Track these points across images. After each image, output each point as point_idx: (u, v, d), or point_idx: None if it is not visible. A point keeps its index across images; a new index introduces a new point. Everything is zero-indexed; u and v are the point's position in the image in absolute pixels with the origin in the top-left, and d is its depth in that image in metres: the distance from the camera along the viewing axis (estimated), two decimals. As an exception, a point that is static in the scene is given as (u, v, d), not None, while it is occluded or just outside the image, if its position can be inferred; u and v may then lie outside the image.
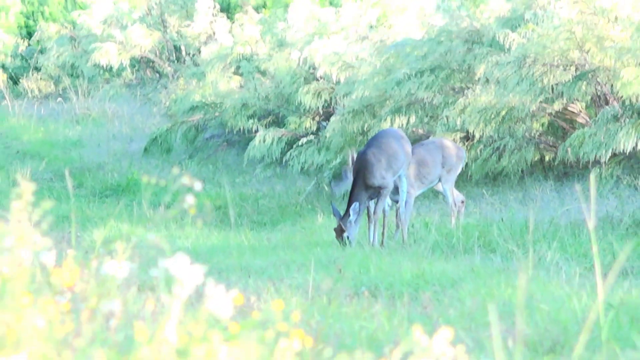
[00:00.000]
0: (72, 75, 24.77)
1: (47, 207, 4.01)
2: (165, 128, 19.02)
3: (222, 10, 22.99)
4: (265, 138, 16.73)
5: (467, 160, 14.02)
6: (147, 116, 22.21)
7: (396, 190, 11.42)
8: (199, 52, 21.76)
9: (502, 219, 11.50)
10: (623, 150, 12.96)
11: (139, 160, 18.84)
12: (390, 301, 7.78)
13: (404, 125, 14.79)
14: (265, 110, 17.91)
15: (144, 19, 23.46)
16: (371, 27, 18.38)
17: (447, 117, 14.45)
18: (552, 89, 13.83)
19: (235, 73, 19.41)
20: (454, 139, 14.11)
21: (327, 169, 15.58)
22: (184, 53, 23.28)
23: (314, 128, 17.18)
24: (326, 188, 15.49)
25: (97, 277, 3.99)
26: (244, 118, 17.81)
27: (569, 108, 14.17)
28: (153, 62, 23.77)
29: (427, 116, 14.99)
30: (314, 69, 17.24)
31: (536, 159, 14.31)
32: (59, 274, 4.03)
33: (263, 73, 18.43)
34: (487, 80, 14.28)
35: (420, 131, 15.06)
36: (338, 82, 16.74)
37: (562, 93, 13.76)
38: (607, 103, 13.86)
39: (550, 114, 14.22)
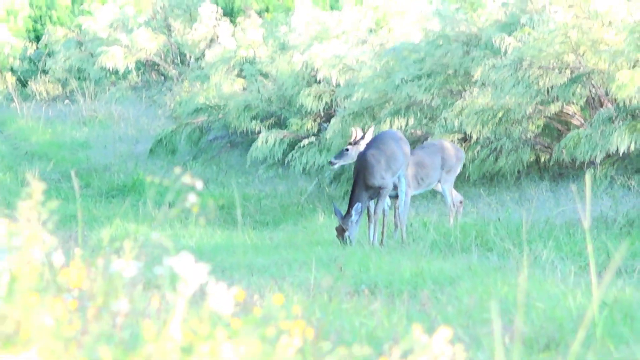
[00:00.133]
0: (79, 78, 24.72)
1: (54, 207, 4.01)
2: (170, 130, 19.03)
3: (225, 14, 22.93)
4: (268, 139, 16.72)
5: (465, 161, 13.97)
6: (153, 118, 22.18)
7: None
8: (203, 56, 21.82)
9: (499, 219, 11.56)
10: (617, 151, 12.98)
11: (145, 161, 18.81)
12: (390, 299, 7.80)
13: (403, 127, 14.81)
14: (268, 112, 17.91)
15: (149, 22, 23.42)
16: (371, 30, 18.39)
17: (445, 119, 14.45)
18: (548, 91, 13.82)
19: (238, 76, 19.42)
20: (452, 140, 14.07)
21: (328, 170, 15.55)
22: (188, 56, 23.34)
23: (315, 129, 17.15)
24: (327, 189, 15.48)
25: (105, 275, 3.98)
26: (247, 119, 17.80)
27: (564, 110, 14.17)
28: (158, 65, 23.74)
29: (425, 118, 15.00)
30: (315, 72, 17.20)
31: (532, 159, 14.36)
32: (66, 273, 4.01)
33: (265, 76, 18.42)
34: (484, 83, 14.29)
35: (419, 133, 15.07)
36: (338, 85, 16.73)
37: (558, 95, 13.76)
38: (601, 105, 13.86)
39: (546, 116, 14.24)
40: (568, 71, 13.76)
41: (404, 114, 14.97)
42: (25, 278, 3.84)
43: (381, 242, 11.17)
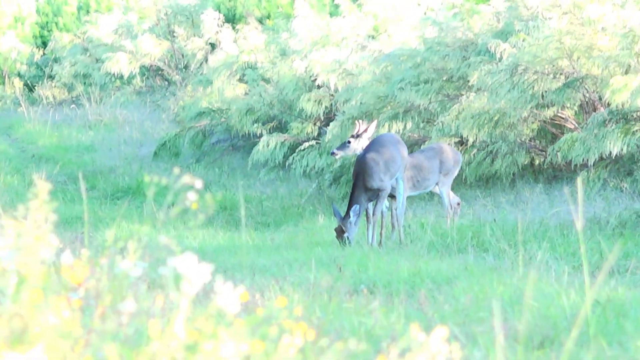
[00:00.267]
0: (84, 83, 24.71)
1: (57, 208, 4.03)
2: (173, 133, 19.11)
3: (227, 21, 23.00)
4: (269, 143, 16.77)
5: (462, 164, 14.05)
6: (157, 122, 22.22)
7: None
8: (206, 61, 21.93)
9: (495, 220, 11.63)
10: (610, 154, 13.06)
11: (149, 164, 18.85)
12: (388, 298, 7.85)
13: (401, 131, 14.90)
14: (269, 116, 17.96)
15: (153, 29, 23.46)
16: (371, 37, 18.48)
17: (442, 123, 14.51)
18: (543, 96, 13.87)
19: (240, 80, 19.47)
20: (449, 144, 14.07)
21: (327, 172, 15.62)
22: (191, 61, 23.49)
23: (315, 133, 17.21)
24: (327, 191, 15.50)
25: (110, 275, 4.00)
26: (248, 123, 17.86)
27: (559, 114, 14.22)
28: (162, 70, 23.77)
29: (423, 122, 15.08)
30: (316, 77, 17.25)
31: (527, 162, 14.40)
32: (71, 272, 4.03)
33: (267, 80, 18.45)
34: (480, 88, 14.33)
35: (416, 136, 15.15)
36: (337, 90, 16.79)
37: (552, 100, 13.80)
38: (594, 109, 13.94)
39: (540, 120, 14.29)
40: (562, 76, 13.84)
41: (402, 118, 15.06)
42: (33, 278, 3.88)
43: (380, 243, 11.25)
